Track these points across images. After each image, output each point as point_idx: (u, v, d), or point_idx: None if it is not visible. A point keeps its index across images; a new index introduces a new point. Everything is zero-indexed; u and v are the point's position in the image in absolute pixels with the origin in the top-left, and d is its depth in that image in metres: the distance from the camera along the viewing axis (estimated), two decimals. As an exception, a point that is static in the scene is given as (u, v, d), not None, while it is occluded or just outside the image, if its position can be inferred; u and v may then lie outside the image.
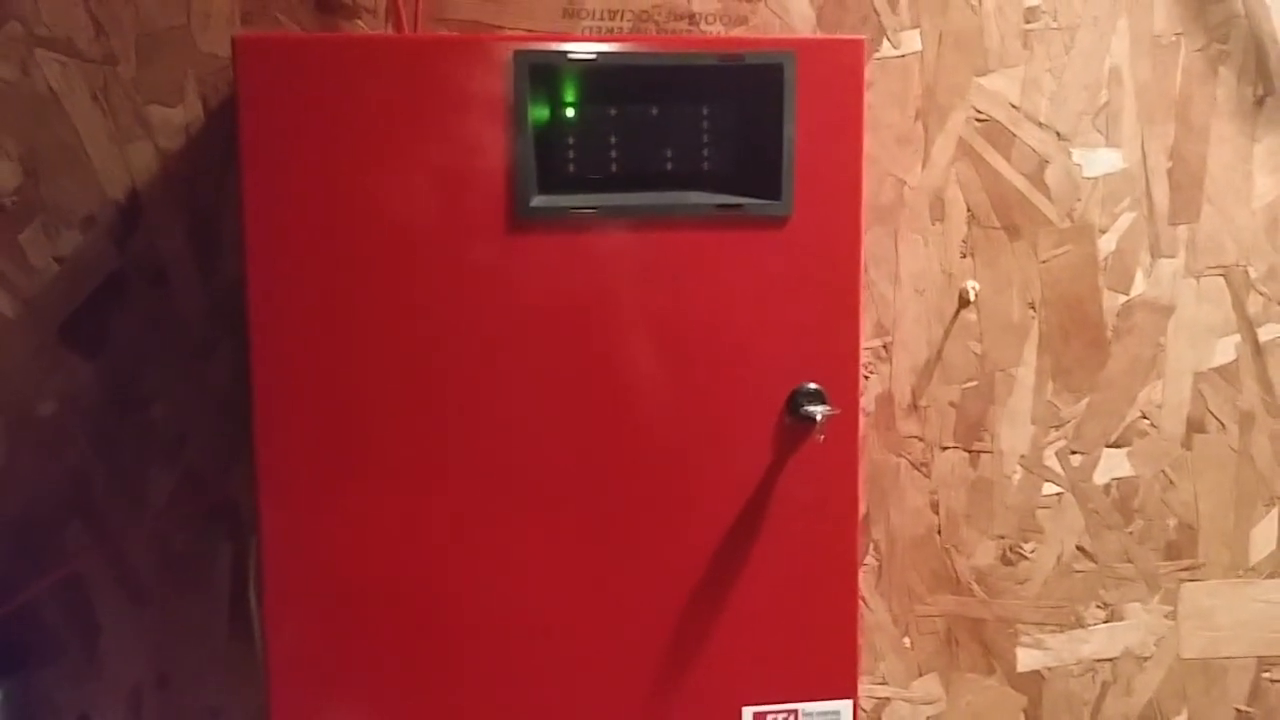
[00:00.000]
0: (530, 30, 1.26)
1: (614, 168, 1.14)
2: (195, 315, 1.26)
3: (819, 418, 1.13)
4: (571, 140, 1.13)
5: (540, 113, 1.11)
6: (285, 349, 1.10)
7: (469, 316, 1.11)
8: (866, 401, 1.36)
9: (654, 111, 1.14)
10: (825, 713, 1.21)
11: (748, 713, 1.19)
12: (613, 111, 1.14)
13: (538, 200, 1.10)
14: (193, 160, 1.24)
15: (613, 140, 1.14)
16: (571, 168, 1.13)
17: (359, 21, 1.24)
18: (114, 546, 1.28)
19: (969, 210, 1.35)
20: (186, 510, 1.28)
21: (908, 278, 1.36)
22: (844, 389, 1.17)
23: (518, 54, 1.08)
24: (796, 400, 1.16)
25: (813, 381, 1.16)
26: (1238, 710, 1.48)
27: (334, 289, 1.09)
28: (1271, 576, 1.46)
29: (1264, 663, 1.47)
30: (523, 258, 1.11)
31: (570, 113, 1.13)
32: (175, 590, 1.29)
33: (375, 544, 1.13)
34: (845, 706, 1.21)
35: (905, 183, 1.34)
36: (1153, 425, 1.42)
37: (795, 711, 1.20)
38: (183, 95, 1.23)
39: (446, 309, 1.11)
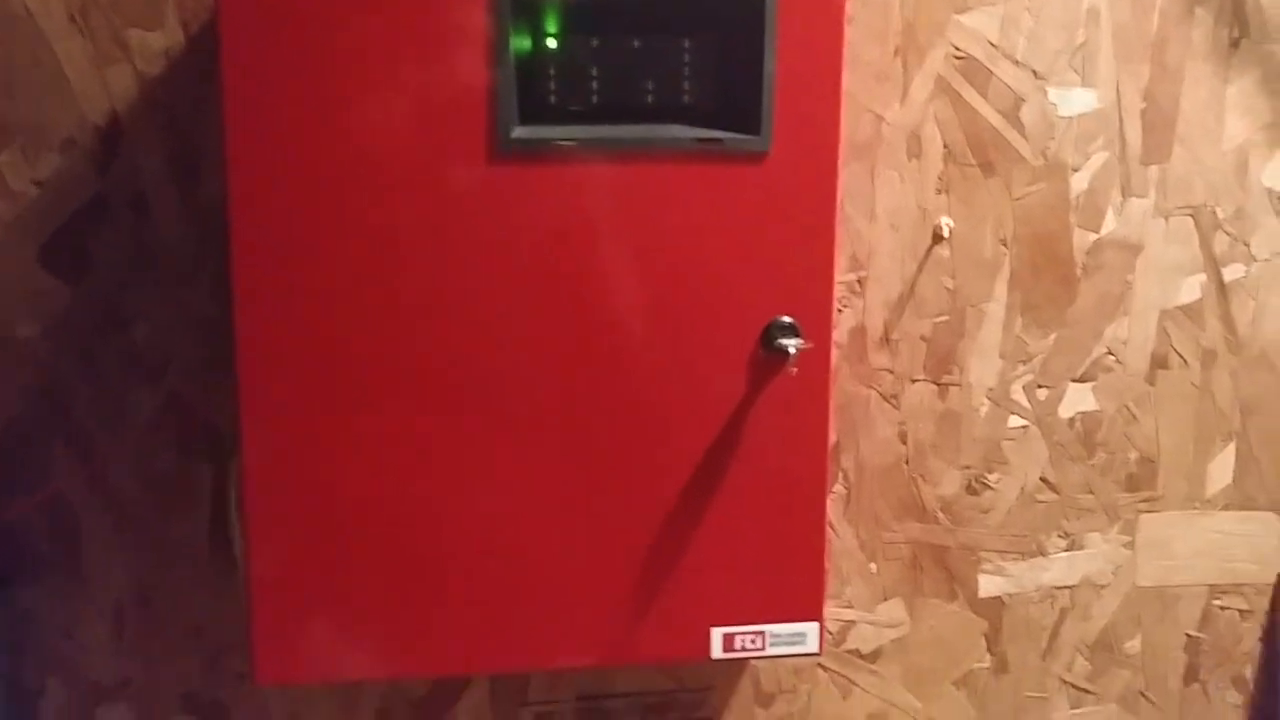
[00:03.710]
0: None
1: (595, 100, 1.15)
2: (177, 238, 1.27)
3: (792, 350, 1.15)
4: (553, 71, 1.14)
5: (522, 43, 1.11)
6: (266, 272, 1.11)
7: (449, 244, 1.12)
8: (839, 334, 1.38)
9: (635, 43, 1.15)
10: (792, 634, 1.24)
11: (716, 633, 1.23)
12: (594, 43, 1.14)
13: (519, 131, 1.11)
14: (174, 85, 1.24)
15: (594, 72, 1.15)
16: (552, 99, 1.14)
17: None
18: (96, 467, 1.29)
19: (945, 147, 1.37)
20: (169, 431, 1.30)
21: (883, 213, 1.37)
22: (817, 323, 1.19)
23: (500, -15, 1.08)
24: (771, 333, 1.18)
25: (787, 315, 1.18)
26: (1188, 635, 1.53)
27: (315, 215, 1.10)
28: (1226, 509, 1.51)
29: (1215, 591, 1.52)
30: (503, 188, 1.12)
31: (552, 43, 1.13)
32: (157, 510, 1.31)
33: (355, 465, 1.14)
34: (811, 629, 1.25)
35: (883, 119, 1.35)
36: (1118, 361, 1.45)
37: (762, 633, 1.24)
38: (163, 20, 1.23)
39: (427, 236, 1.12)
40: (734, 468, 1.21)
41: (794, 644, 1.25)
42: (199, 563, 1.33)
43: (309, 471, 1.14)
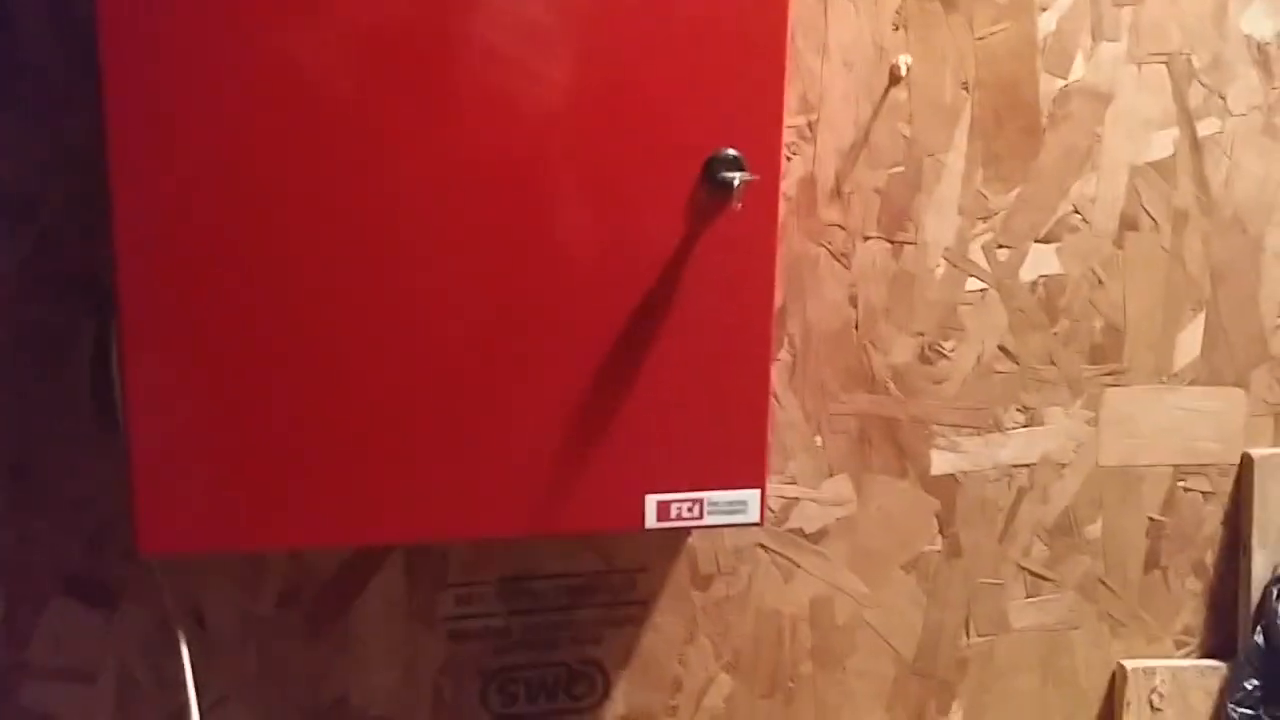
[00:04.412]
0: None
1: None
2: (45, 60, 1.13)
3: (737, 183, 1.04)
4: None
5: None
6: (144, 101, 0.98)
7: (352, 71, 1.01)
8: (787, 185, 1.27)
9: None
10: (731, 502, 1.15)
11: (651, 500, 1.13)
12: None
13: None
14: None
15: None
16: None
17: None
18: (-42, 319, 1.16)
19: (903, -24, 1.26)
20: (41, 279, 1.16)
21: (836, 49, 1.26)
22: (765, 160, 1.08)
23: None
24: (713, 166, 1.07)
25: (732, 149, 1.07)
26: (1150, 519, 1.45)
27: (197, 35, 0.98)
28: (1194, 384, 1.42)
29: (1180, 471, 1.44)
30: (412, 5, 1.00)
31: None
32: (30, 368, 1.18)
33: (250, 311, 1.03)
34: (752, 496, 1.15)
35: (836, -57, 1.24)
36: (1084, 220, 1.36)
37: (700, 500, 1.14)
38: None
39: (326, 62, 1.00)
40: (671, 323, 1.10)
41: (734, 513, 1.16)
42: (79, 426, 1.20)
43: (196, 319, 1.02)
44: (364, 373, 1.05)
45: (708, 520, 1.15)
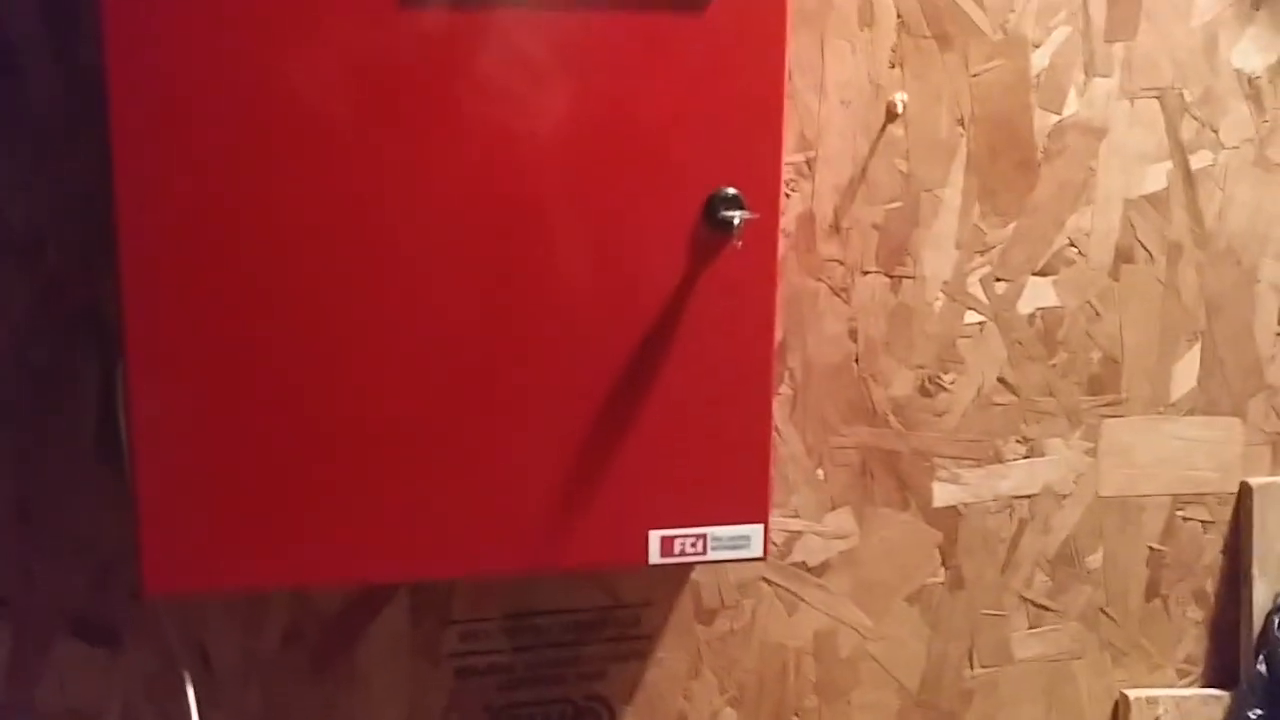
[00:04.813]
0: None
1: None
2: (52, 104, 1.14)
3: (737, 222, 1.05)
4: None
5: None
6: (149, 143, 0.99)
7: (351, 106, 1.01)
8: (786, 221, 1.28)
9: None
10: (735, 537, 1.15)
11: (654, 536, 1.13)
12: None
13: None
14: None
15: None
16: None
17: None
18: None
19: (899, 16, 1.27)
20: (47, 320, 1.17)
21: (833, 87, 1.27)
22: (765, 198, 1.09)
23: None
24: (714, 205, 1.08)
25: (732, 187, 1.08)
26: (1150, 548, 1.45)
27: (202, 77, 0.99)
28: (1191, 413, 1.43)
29: (1179, 500, 1.45)
30: (414, 41, 1.01)
31: None
32: (37, 409, 1.18)
33: (254, 350, 1.03)
34: (755, 531, 1.16)
35: (833, -18, 1.26)
36: (1080, 253, 1.37)
37: (704, 536, 1.14)
38: None
39: (325, 97, 1.01)
40: (673, 358, 1.11)
41: (737, 548, 1.16)
42: (85, 467, 1.20)
43: (202, 359, 1.03)
44: (367, 411, 1.06)
45: (711, 555, 1.15)
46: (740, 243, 1.07)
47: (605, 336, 1.09)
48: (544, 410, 1.09)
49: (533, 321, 1.08)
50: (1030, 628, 1.44)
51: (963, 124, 1.31)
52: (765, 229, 1.09)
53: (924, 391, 1.36)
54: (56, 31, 1.13)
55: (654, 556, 1.14)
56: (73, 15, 1.13)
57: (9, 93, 1.13)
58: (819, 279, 1.31)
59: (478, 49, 1.02)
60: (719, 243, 1.08)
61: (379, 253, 1.04)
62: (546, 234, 1.07)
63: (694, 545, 1.15)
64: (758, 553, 1.16)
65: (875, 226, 1.31)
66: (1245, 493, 1.45)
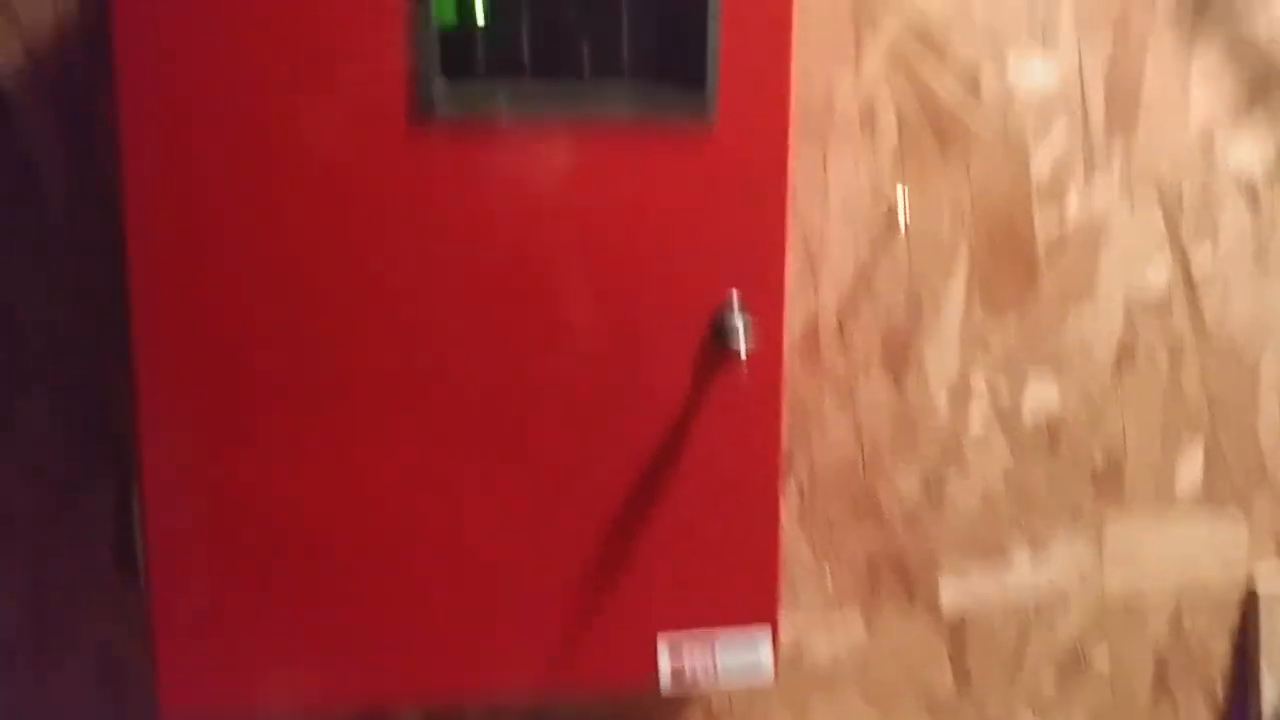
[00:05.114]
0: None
1: (526, 62, 1.04)
2: (68, 218, 1.14)
3: (743, 343, 1.05)
4: (479, 26, 1.02)
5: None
6: (165, 261, 0.98)
7: (365, 227, 1.01)
8: (791, 326, 1.28)
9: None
10: (743, 640, 1.14)
11: (664, 639, 1.12)
12: (524, -1, 1.04)
13: (441, 94, 1.00)
14: (64, 55, 1.12)
15: (525, 31, 1.04)
16: (479, 57, 1.03)
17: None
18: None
19: (899, 124, 1.28)
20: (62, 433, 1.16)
21: (835, 193, 1.28)
22: (769, 311, 1.09)
23: (418, -71, 0.97)
24: (719, 324, 1.08)
25: (736, 303, 1.08)
26: (1156, 646, 1.44)
27: (218, 196, 0.98)
28: (1195, 510, 1.43)
29: (1185, 598, 1.44)
30: (424, 160, 1.01)
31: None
32: (52, 526, 1.17)
33: (268, 474, 1.02)
34: (764, 633, 1.14)
35: (834, 93, 1.26)
36: (1082, 352, 1.37)
37: (715, 663, 1.13)
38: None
39: (341, 218, 1.01)
40: (682, 465, 1.10)
41: (748, 672, 1.15)
42: (101, 586, 1.19)
43: (216, 480, 1.02)
44: (382, 536, 1.05)
45: (722, 682, 1.14)
46: (746, 362, 1.06)
47: (613, 447, 1.09)
48: (558, 515, 1.09)
49: (542, 433, 1.07)
50: (1038, 727, 1.43)
51: (964, 226, 1.31)
52: (770, 337, 1.09)
53: (929, 492, 1.36)
54: (73, 149, 1.13)
55: (665, 683, 1.13)
56: (89, 133, 1.13)
57: (26, 205, 1.14)
58: (823, 381, 1.31)
59: (487, 164, 1.02)
60: (725, 357, 1.08)
61: (392, 368, 1.03)
62: (556, 348, 1.06)
63: (706, 673, 1.14)
64: (768, 678, 1.15)
65: (878, 330, 1.31)
66: (1252, 590, 1.45)
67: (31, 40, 1.12)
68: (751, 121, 1.06)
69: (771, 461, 1.14)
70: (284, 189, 0.99)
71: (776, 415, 1.13)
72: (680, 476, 1.10)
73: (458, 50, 1.01)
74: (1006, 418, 1.36)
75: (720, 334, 1.08)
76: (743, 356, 1.06)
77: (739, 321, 1.06)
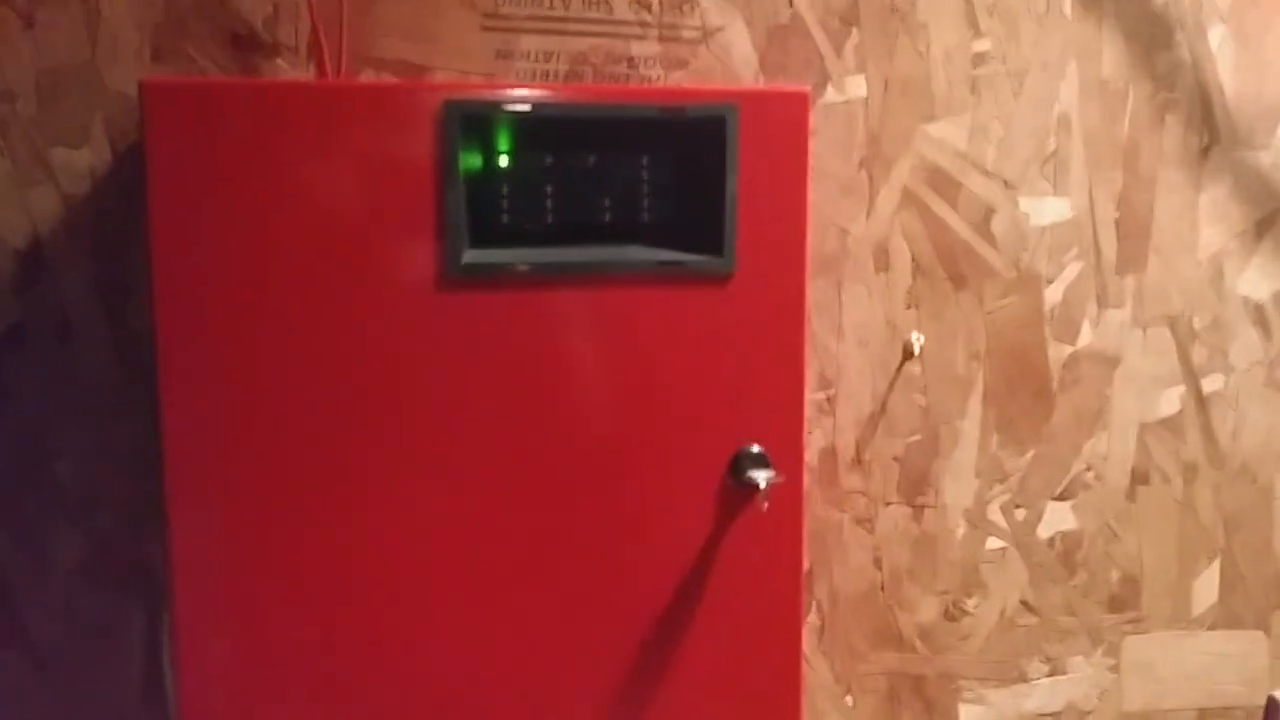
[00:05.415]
0: (462, 72, 1.20)
1: (550, 220, 1.09)
2: (103, 368, 1.18)
3: (763, 484, 1.08)
4: (505, 191, 1.08)
5: (472, 162, 1.05)
6: (198, 406, 1.03)
7: (396, 379, 1.05)
8: (809, 456, 1.32)
9: (591, 161, 1.09)
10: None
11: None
12: (549, 160, 1.08)
13: (469, 256, 1.04)
14: (99, 206, 1.16)
15: (549, 191, 1.09)
16: (505, 220, 1.07)
17: (279, 61, 1.17)
18: (15, 615, 1.19)
19: (914, 260, 1.32)
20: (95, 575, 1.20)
21: (851, 329, 1.31)
22: (788, 448, 1.13)
23: (448, 104, 1.02)
24: (740, 464, 1.11)
25: (756, 441, 1.12)
26: (1179, 763, 1.46)
27: (251, 347, 1.03)
28: (1213, 628, 1.45)
29: (1204, 715, 1.46)
30: (453, 317, 1.05)
31: (504, 162, 1.07)
32: (84, 662, 1.21)
33: (298, 612, 1.06)
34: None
35: (849, 232, 1.30)
36: (1097, 477, 1.39)
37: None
38: (88, 136, 1.15)
39: (372, 370, 1.05)
40: (705, 601, 1.14)
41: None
42: (133, 711, 1.22)
43: (246, 618, 1.06)
44: (413, 674, 1.08)
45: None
46: (766, 504, 1.10)
47: (641, 582, 1.12)
48: (583, 652, 1.12)
49: (568, 572, 1.11)
50: (1061, 845, 1.44)
51: (979, 358, 1.35)
52: (790, 474, 1.12)
53: (948, 616, 1.38)
54: (108, 300, 1.18)
55: None
56: (123, 285, 1.18)
57: (62, 356, 1.18)
58: (843, 510, 1.34)
59: (515, 322, 1.06)
60: (746, 496, 1.12)
61: (425, 513, 1.07)
62: (581, 490, 1.10)
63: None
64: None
65: (896, 459, 1.35)
66: (1272, 707, 1.45)
67: (68, 190, 1.16)
68: (769, 268, 1.11)
69: (793, 589, 1.17)
70: (319, 345, 1.03)
71: (797, 548, 1.16)
72: (703, 612, 1.14)
73: (485, 219, 1.06)
74: (1024, 543, 1.38)
75: (741, 481, 1.11)
76: (764, 506, 1.10)
77: (760, 479, 1.09)
